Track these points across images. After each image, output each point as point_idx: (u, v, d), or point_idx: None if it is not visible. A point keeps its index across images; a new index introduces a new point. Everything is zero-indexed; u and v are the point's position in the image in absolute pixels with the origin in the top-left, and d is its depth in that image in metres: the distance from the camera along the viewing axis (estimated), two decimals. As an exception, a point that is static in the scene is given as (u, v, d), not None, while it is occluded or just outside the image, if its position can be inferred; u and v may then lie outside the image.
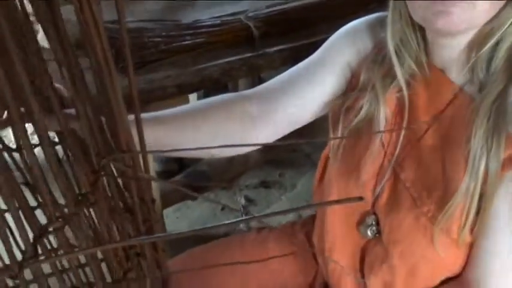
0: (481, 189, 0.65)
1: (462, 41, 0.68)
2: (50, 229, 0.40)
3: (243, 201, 1.86)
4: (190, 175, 1.59)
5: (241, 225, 1.71)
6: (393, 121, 0.76)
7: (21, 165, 0.45)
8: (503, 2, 0.64)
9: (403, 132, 0.75)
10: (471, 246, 0.71)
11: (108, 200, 0.44)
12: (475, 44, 0.67)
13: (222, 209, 1.83)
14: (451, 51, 0.70)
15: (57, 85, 0.53)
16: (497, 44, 0.66)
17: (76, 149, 0.42)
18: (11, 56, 0.30)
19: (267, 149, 1.56)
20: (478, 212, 0.67)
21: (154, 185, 1.32)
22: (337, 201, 0.85)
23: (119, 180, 0.44)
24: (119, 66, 0.39)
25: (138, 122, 0.37)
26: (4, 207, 0.34)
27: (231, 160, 1.60)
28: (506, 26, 0.65)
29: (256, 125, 0.80)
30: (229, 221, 0.59)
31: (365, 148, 0.77)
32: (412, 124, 0.74)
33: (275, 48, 1.20)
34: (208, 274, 0.88)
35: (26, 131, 0.33)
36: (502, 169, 0.64)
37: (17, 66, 0.30)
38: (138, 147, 0.38)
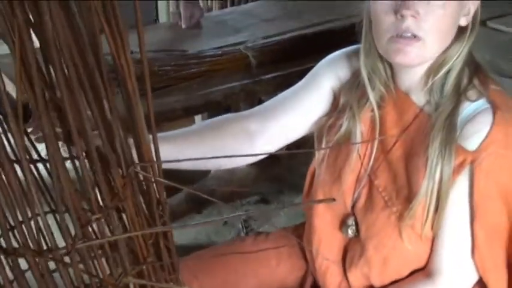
0: (437, 191, 0.79)
1: (420, 70, 0.83)
2: (93, 219, 0.53)
3: (244, 216, 1.98)
4: (196, 190, 1.72)
5: (242, 234, 1.83)
6: (367, 136, 0.90)
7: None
8: (451, 39, 0.79)
9: (375, 146, 0.88)
10: (434, 241, 0.84)
11: (133, 199, 0.57)
12: (431, 72, 0.82)
13: (224, 223, 1.95)
14: (413, 77, 0.84)
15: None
16: (448, 72, 0.81)
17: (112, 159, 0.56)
18: (75, 95, 0.43)
19: (265, 164, 1.70)
20: (436, 211, 0.80)
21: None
22: (315, 201, 1.00)
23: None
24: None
25: (154, 138, 0.50)
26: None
27: (233, 176, 1.74)
28: (455, 58, 0.80)
29: (253, 139, 0.94)
30: (241, 212, 0.71)
31: (345, 161, 0.91)
32: (383, 139, 0.87)
33: (270, 75, 1.36)
34: (213, 272, 1.01)
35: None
36: (453, 174, 0.78)
37: (80, 101, 0.44)
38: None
